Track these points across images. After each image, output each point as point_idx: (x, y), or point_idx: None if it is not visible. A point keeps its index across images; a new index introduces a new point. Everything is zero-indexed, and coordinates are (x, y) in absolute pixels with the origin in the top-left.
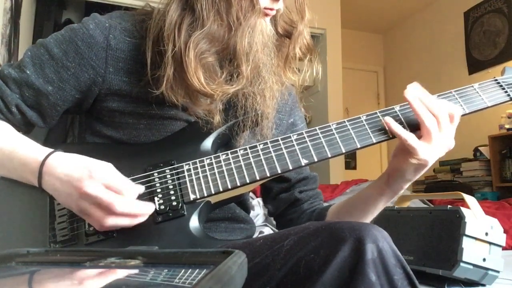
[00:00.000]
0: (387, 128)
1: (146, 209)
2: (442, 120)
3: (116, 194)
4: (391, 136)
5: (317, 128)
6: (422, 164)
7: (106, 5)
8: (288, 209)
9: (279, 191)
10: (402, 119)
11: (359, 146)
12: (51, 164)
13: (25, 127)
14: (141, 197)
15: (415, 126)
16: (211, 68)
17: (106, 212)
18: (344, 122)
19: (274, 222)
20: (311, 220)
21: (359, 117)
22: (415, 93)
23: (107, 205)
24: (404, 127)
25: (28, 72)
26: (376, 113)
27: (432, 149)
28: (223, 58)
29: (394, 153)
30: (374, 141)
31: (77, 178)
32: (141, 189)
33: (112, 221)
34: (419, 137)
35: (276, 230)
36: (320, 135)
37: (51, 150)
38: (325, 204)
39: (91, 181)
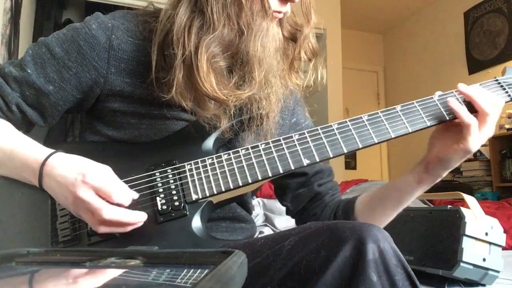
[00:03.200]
0: (450, 108)
1: (135, 218)
2: (498, 108)
3: (106, 200)
4: (393, 136)
5: (318, 128)
6: (468, 152)
7: (106, 5)
8: (310, 204)
9: (297, 187)
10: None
11: (360, 146)
12: (51, 165)
13: (26, 126)
14: (143, 196)
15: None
16: (221, 73)
17: (95, 218)
18: (346, 122)
19: (276, 223)
20: (336, 213)
21: (361, 117)
22: (465, 86)
23: (96, 212)
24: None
25: (29, 71)
26: (377, 113)
27: (480, 137)
28: (233, 62)
29: (433, 142)
30: (376, 141)
31: (72, 182)
32: (134, 195)
33: (103, 229)
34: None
35: (276, 230)
36: (322, 135)
37: (52, 150)
38: (343, 197)
39: (83, 186)
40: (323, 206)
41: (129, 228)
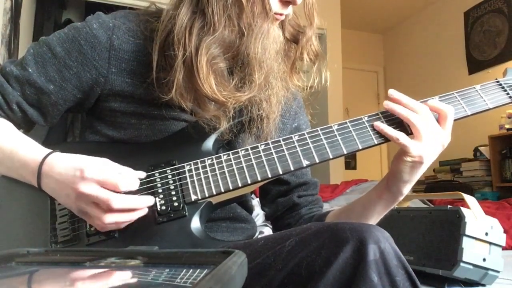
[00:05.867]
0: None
1: (144, 202)
2: (426, 116)
3: (112, 189)
4: None
5: (318, 129)
6: (417, 162)
7: (106, 5)
8: (286, 214)
9: (277, 195)
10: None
11: (360, 147)
12: (49, 165)
13: (26, 125)
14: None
15: None
16: (222, 74)
17: (104, 209)
18: (346, 123)
19: None
20: None
21: (361, 118)
22: (394, 96)
23: (104, 203)
24: (404, 128)
25: (30, 70)
26: (377, 113)
27: (424, 145)
28: (233, 64)
29: (393, 158)
30: (376, 142)
31: (71, 179)
32: (140, 175)
33: (111, 218)
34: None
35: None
36: (322, 136)
37: (50, 150)
38: (325, 207)
39: (84, 181)
40: (297, 218)
41: (137, 215)
